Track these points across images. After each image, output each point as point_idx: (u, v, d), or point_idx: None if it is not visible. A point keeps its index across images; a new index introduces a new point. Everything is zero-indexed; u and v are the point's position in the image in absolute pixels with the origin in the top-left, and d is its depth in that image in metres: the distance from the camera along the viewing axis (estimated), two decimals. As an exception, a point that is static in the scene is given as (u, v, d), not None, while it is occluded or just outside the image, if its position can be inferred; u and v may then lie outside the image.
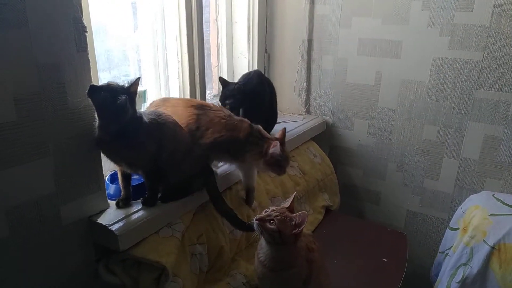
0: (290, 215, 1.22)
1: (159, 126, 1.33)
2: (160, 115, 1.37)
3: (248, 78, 1.90)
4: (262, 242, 1.27)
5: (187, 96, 1.92)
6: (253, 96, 1.85)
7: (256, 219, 1.21)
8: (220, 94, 1.86)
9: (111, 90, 1.19)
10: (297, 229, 1.19)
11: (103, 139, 1.23)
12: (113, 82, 1.23)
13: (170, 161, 1.35)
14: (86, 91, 1.17)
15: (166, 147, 1.34)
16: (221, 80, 1.85)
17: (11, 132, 1.03)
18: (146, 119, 1.30)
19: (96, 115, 1.22)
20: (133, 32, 1.84)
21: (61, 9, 1.08)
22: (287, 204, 1.27)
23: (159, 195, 1.38)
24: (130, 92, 1.23)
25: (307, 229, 1.74)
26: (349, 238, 1.94)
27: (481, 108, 1.92)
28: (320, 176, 2.17)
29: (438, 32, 1.94)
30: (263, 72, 2.34)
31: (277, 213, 1.21)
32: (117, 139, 1.24)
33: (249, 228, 1.36)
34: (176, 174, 1.39)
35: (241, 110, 1.86)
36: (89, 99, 1.18)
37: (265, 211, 1.24)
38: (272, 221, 1.19)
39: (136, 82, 1.24)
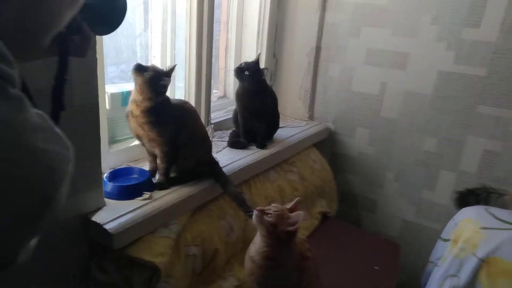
0: (289, 214, 1.26)
1: (183, 111, 1.50)
2: (186, 102, 1.57)
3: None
4: (256, 239, 1.30)
5: (193, 96, 1.94)
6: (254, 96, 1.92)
7: (256, 210, 1.26)
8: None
9: (156, 71, 1.39)
10: (291, 227, 1.23)
11: (134, 113, 1.40)
12: (156, 65, 1.43)
13: (188, 144, 1.50)
14: (132, 67, 1.38)
15: (186, 131, 1.49)
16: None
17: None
18: (172, 102, 1.48)
19: (134, 90, 1.40)
20: (143, 30, 1.87)
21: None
22: (289, 205, 1.31)
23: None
24: (169, 75, 1.43)
25: (302, 234, 1.76)
26: (343, 245, 1.96)
27: (482, 123, 1.94)
28: (319, 183, 2.19)
29: (445, 46, 1.95)
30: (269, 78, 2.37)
31: (276, 209, 1.25)
32: (146, 114, 1.39)
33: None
34: (191, 158, 1.52)
35: (239, 116, 1.96)
36: (133, 75, 1.38)
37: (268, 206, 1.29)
38: (270, 214, 1.23)
39: (173, 68, 1.45)
